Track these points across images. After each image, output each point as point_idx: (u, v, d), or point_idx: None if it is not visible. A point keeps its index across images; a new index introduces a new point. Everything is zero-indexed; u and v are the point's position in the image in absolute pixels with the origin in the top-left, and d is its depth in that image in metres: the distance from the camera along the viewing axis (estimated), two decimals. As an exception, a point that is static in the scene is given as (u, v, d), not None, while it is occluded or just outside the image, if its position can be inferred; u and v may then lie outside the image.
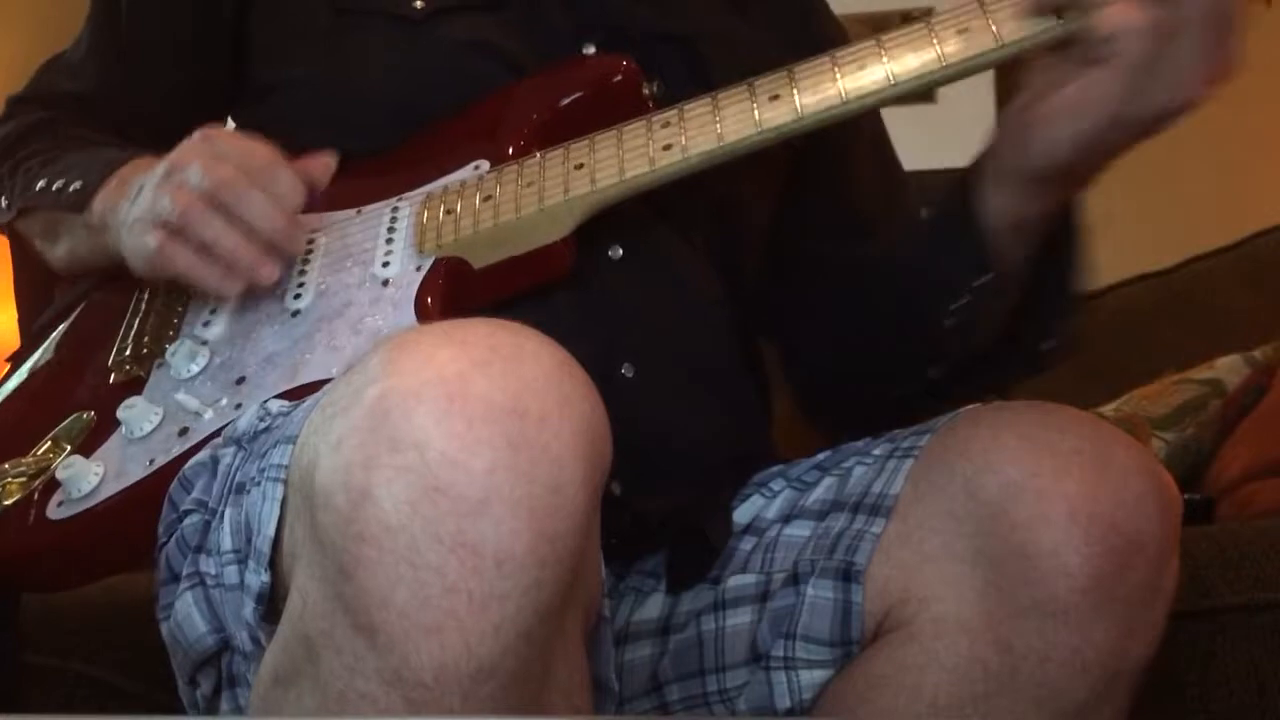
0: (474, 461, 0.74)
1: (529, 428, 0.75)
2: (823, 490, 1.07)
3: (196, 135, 1.07)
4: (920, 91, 1.03)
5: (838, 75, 1.02)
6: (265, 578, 0.87)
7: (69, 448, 1.08)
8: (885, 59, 1.01)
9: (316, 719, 0.79)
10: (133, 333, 1.14)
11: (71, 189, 1.14)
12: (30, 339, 1.24)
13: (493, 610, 0.74)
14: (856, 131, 1.26)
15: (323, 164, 1.10)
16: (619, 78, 1.11)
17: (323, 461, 0.77)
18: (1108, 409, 1.93)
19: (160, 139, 1.20)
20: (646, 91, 1.11)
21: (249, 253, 1.04)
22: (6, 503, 1.07)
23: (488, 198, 1.08)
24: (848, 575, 1.00)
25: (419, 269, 1.06)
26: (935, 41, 1.00)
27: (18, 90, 1.30)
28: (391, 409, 0.75)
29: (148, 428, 1.06)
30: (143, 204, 1.07)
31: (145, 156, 1.14)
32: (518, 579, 0.74)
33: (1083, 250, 1.08)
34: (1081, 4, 0.95)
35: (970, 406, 1.02)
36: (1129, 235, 2.39)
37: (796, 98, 1.02)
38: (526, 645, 0.75)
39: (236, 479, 0.95)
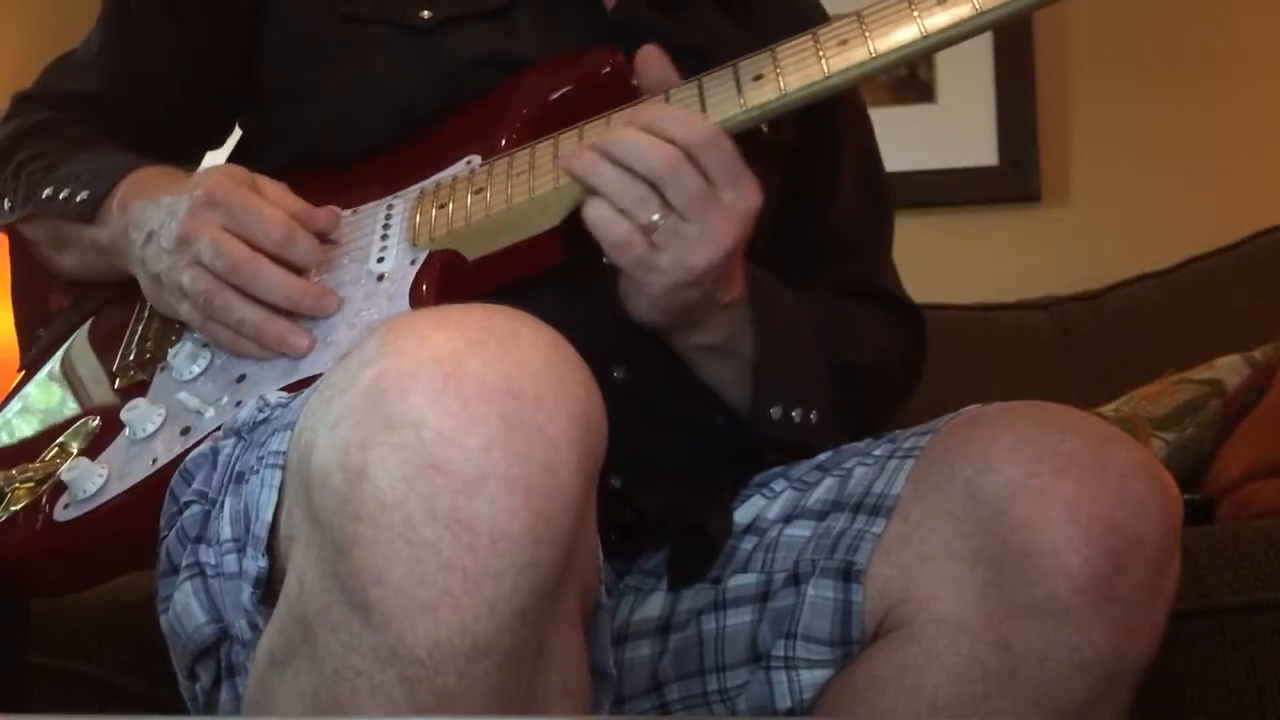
0: (469, 439, 0.74)
1: (524, 408, 0.75)
2: (824, 490, 1.07)
3: (201, 195, 1.05)
4: (903, 64, 1.05)
5: (820, 53, 1.03)
6: (263, 563, 0.88)
7: (75, 452, 1.09)
8: (866, 34, 1.02)
9: (311, 704, 0.80)
10: (136, 338, 1.15)
11: (78, 199, 1.14)
12: (37, 350, 1.25)
13: (488, 587, 0.74)
14: (845, 153, 1.29)
15: (329, 214, 1.10)
16: (607, 69, 1.12)
17: (320, 442, 0.77)
18: (1108, 409, 1.93)
19: (166, 143, 1.23)
20: (636, 82, 1.11)
21: (275, 328, 1.05)
22: (15, 508, 1.08)
23: (479, 190, 1.08)
24: (848, 575, 1.00)
25: (413, 262, 1.07)
26: (916, 14, 1.01)
27: (19, 87, 1.30)
28: (388, 389, 0.75)
29: (151, 428, 1.06)
30: (161, 264, 1.07)
31: (148, 168, 1.15)
32: (513, 557, 0.74)
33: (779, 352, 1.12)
34: None
35: (971, 407, 1.03)
36: (1129, 235, 2.40)
37: (779, 77, 1.04)
38: (522, 623, 0.76)
39: (236, 469, 0.96)
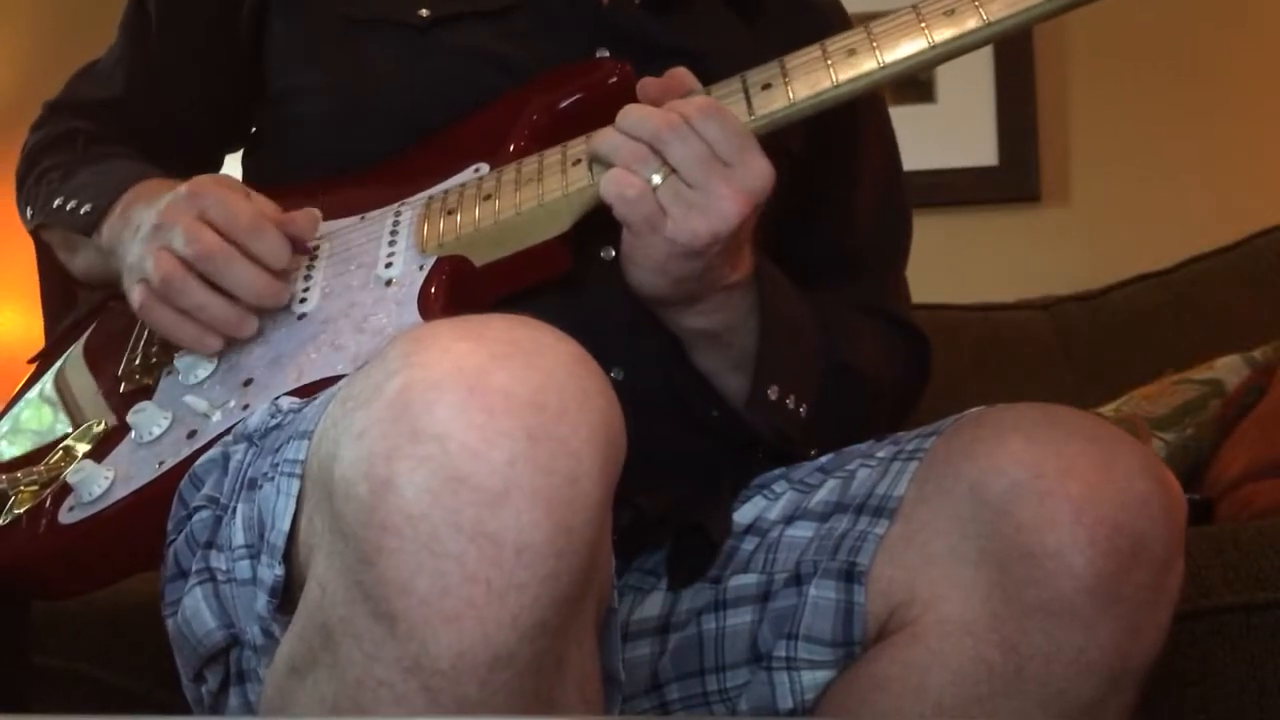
0: (495, 453, 0.74)
1: (548, 421, 0.76)
2: (826, 492, 1.07)
3: (184, 190, 1.07)
4: (911, 75, 1.07)
5: (828, 62, 1.05)
6: (279, 571, 0.88)
7: (80, 455, 1.09)
8: (875, 45, 1.04)
9: (332, 713, 0.80)
10: (142, 343, 1.16)
11: (83, 211, 1.17)
12: (44, 348, 1.26)
13: (511, 600, 0.74)
14: (865, 169, 1.29)
15: (309, 217, 1.11)
16: (614, 79, 1.13)
17: (344, 452, 0.77)
18: (1108, 409, 1.93)
19: (185, 145, 1.27)
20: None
21: (231, 315, 1.07)
22: (18, 510, 1.08)
23: (488, 197, 1.09)
24: (850, 576, 1.00)
25: (422, 268, 1.07)
26: (923, 25, 1.03)
27: (20, 87, 1.32)
28: (413, 400, 0.76)
29: (157, 431, 1.07)
30: (133, 254, 1.09)
31: (153, 179, 1.16)
32: (536, 569, 0.75)
33: (776, 337, 1.12)
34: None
35: (975, 409, 1.03)
36: (1129, 235, 2.40)
37: (788, 86, 1.05)
38: (543, 635, 0.76)
39: (248, 475, 0.96)
